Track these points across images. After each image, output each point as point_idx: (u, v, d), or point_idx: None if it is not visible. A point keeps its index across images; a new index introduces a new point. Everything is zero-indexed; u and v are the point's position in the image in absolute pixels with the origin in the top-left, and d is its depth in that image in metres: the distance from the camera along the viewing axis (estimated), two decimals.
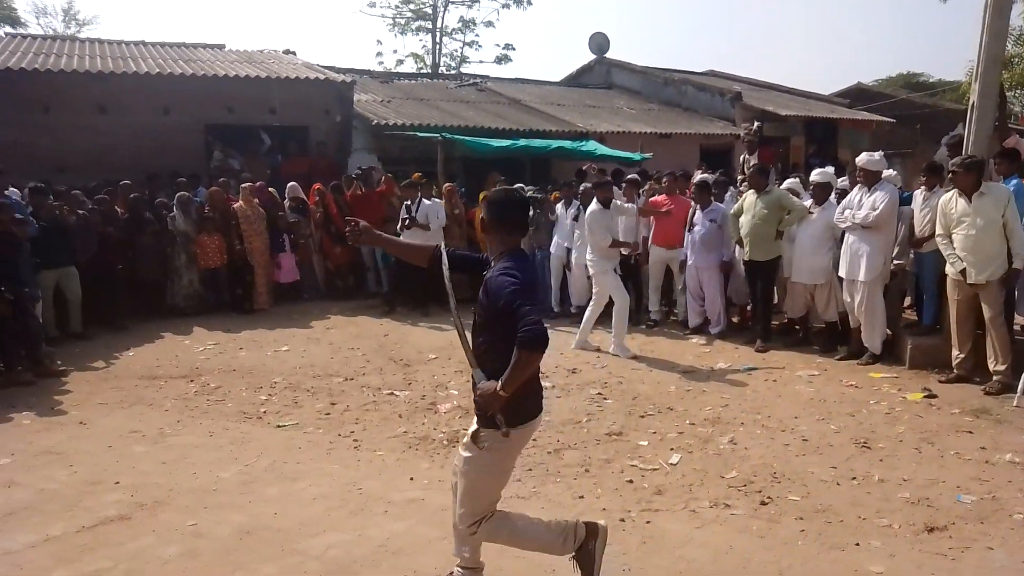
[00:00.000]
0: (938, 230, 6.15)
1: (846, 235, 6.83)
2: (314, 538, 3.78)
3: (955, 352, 6.15)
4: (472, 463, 2.97)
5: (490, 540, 3.12)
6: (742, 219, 7.52)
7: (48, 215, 7.77)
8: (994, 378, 5.86)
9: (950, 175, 6.07)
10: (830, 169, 8.17)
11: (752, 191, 7.58)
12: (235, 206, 9.44)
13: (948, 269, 6.10)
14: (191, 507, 4.17)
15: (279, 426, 5.52)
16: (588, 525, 3.16)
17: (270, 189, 10.23)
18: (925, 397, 5.79)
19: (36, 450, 5.06)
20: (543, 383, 6.17)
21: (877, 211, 6.53)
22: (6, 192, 7.67)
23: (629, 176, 9.46)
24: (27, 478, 4.59)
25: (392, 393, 6.24)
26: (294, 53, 15.55)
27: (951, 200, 6.02)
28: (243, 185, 9.71)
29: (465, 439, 3.05)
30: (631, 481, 4.41)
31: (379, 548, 3.66)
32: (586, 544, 3.12)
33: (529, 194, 9.75)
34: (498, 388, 2.75)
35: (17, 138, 10.27)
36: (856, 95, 23.58)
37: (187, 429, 5.48)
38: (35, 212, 7.64)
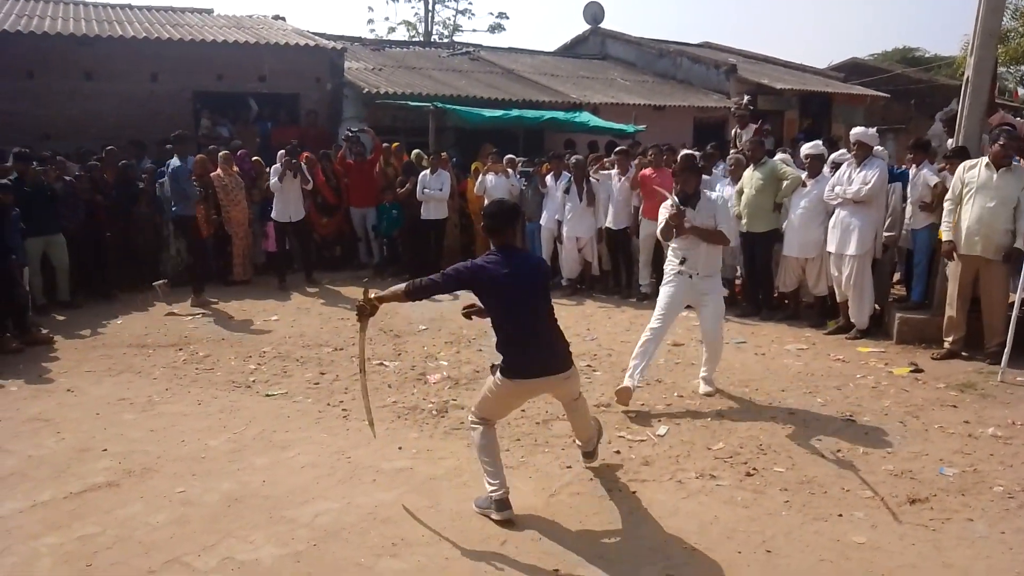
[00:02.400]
0: (949, 194, 6.13)
1: (836, 210, 6.83)
2: (303, 506, 3.79)
3: (951, 330, 6.16)
4: (487, 381, 3.80)
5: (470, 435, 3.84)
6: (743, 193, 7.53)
7: (33, 181, 7.67)
8: (988, 350, 5.93)
9: (991, 145, 5.90)
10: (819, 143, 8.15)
11: (750, 165, 7.57)
12: (212, 175, 9.26)
13: (952, 244, 6.04)
14: (180, 474, 4.18)
15: (268, 395, 5.52)
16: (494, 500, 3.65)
17: (256, 158, 10.09)
18: (912, 372, 5.84)
19: (24, 417, 5.05)
20: None
21: (869, 185, 6.53)
22: None
23: (619, 147, 9.44)
24: (15, 445, 4.58)
25: (382, 363, 6.24)
26: (284, 19, 15.29)
27: (974, 169, 5.95)
28: (220, 153, 9.48)
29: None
30: (619, 452, 4.44)
31: (367, 516, 3.68)
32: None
33: (520, 167, 9.74)
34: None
35: (2, 104, 10.10)
36: (851, 69, 23.49)
37: (176, 397, 5.47)
38: (20, 178, 7.53)
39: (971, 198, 5.91)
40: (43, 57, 10.57)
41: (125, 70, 11.11)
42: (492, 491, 3.65)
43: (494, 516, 3.62)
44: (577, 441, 4.22)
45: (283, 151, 9.92)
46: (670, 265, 5.27)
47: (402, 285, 3.72)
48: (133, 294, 8.64)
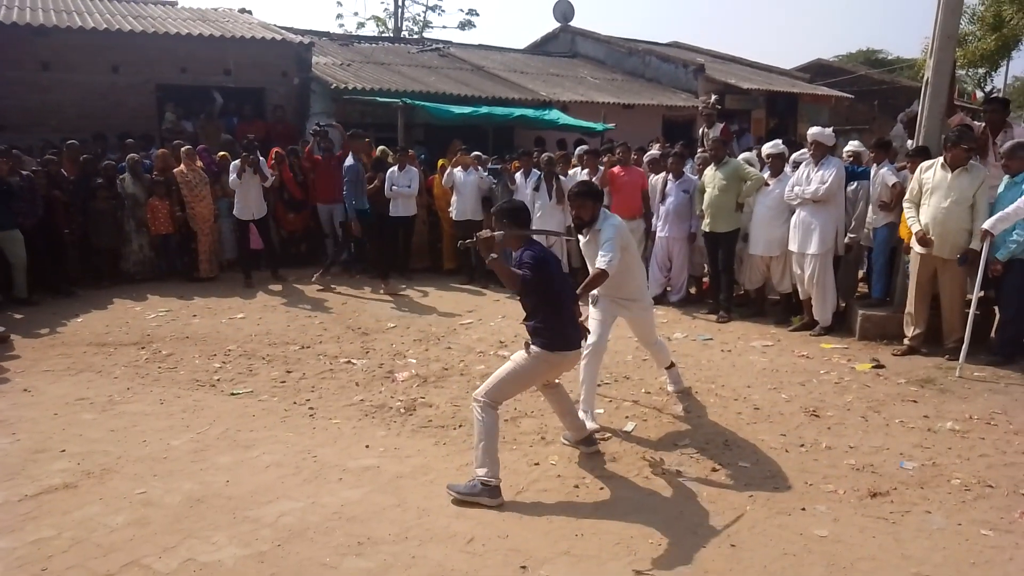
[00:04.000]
0: (907, 196, 6.24)
1: (797, 210, 6.93)
2: (267, 505, 3.74)
3: (911, 326, 6.29)
4: (516, 359, 3.95)
5: (477, 419, 3.87)
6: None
7: None
8: (946, 346, 6.07)
9: (947, 146, 5.93)
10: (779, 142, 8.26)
11: (712, 164, 7.65)
12: (175, 170, 9.10)
13: (913, 243, 6.15)
14: (140, 475, 4.10)
15: (233, 394, 5.44)
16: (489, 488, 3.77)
17: (222, 154, 9.91)
18: (873, 368, 5.95)
19: None
20: (501, 352, 6.18)
21: (826, 184, 6.65)
22: None
23: (587, 148, 9.48)
24: None
25: (349, 361, 6.18)
26: (250, 12, 15.07)
27: (931, 170, 6.04)
28: (183, 148, 9.32)
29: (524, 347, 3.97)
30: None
31: (333, 515, 3.65)
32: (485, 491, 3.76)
33: (489, 165, 9.71)
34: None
35: None
36: (816, 70, 23.89)
37: (137, 397, 5.36)
38: None
39: (927, 198, 6.03)
40: None
41: (85, 61, 10.84)
42: (488, 478, 3.76)
43: (488, 502, 3.72)
44: (567, 434, 4.42)
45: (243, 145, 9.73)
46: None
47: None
48: (93, 291, 8.44)
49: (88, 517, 3.63)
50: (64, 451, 4.40)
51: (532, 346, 3.93)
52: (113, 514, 3.66)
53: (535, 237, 4.10)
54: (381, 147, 10.56)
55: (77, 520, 3.60)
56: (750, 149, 10.20)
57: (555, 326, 3.91)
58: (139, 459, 4.30)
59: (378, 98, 11.97)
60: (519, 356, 3.97)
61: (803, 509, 3.70)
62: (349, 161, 8.77)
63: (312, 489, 3.94)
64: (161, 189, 9.01)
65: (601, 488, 3.95)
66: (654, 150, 9.40)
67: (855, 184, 7.12)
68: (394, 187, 9.33)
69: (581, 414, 4.58)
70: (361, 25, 30.24)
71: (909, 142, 7.14)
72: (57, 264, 8.38)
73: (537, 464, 4.25)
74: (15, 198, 7.69)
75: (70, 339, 6.79)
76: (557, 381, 4.27)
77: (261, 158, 9.09)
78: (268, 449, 4.45)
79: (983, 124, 6.67)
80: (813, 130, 6.99)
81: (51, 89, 10.57)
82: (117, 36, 10.97)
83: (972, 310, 5.67)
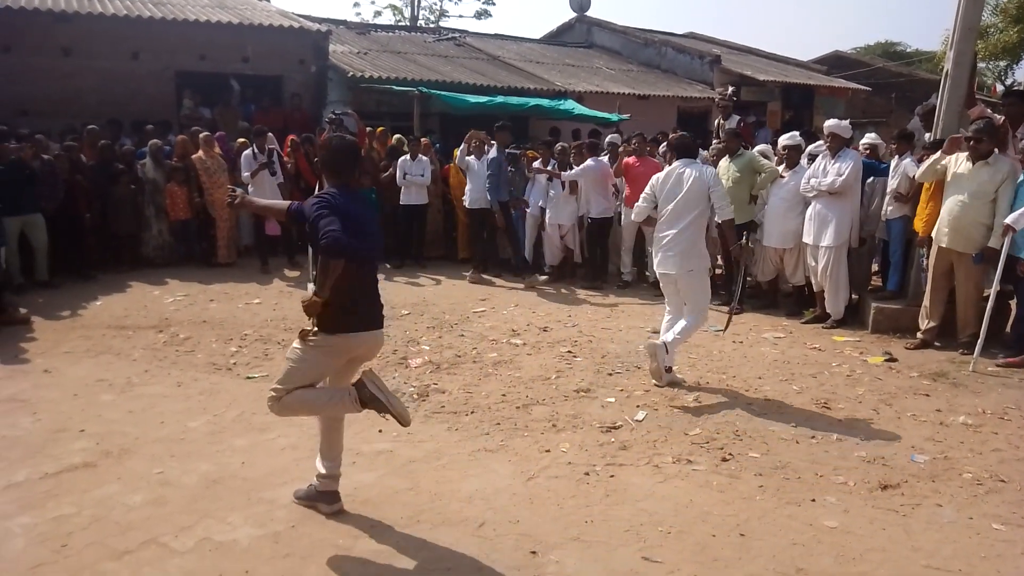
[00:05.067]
0: (925, 168, 6.17)
1: (812, 202, 6.90)
2: (282, 487, 3.80)
3: (925, 320, 6.26)
4: (295, 352, 3.36)
5: (289, 412, 3.44)
6: None
7: (10, 160, 7.54)
8: (960, 340, 6.04)
9: (968, 139, 5.89)
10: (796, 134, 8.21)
11: (726, 156, 7.62)
12: (194, 156, 9.17)
13: (934, 234, 6.09)
14: (158, 456, 4.17)
15: (249, 377, 5.50)
16: (354, 384, 3.37)
17: (241, 140, 9.97)
18: (886, 361, 5.93)
19: None
20: (514, 340, 6.19)
21: (843, 177, 6.61)
22: None
23: (609, 139, 9.49)
24: None
25: None
26: (268, 0, 15.12)
27: (955, 161, 5.98)
28: (201, 135, 9.39)
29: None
30: (597, 437, 4.48)
31: (347, 498, 3.69)
32: (363, 393, 3.30)
33: (508, 151, 9.69)
34: (313, 293, 3.21)
35: None
36: (833, 62, 23.64)
37: (155, 379, 5.44)
38: None
39: (947, 189, 5.99)
40: (19, 32, 10.38)
41: (105, 48, 10.95)
42: (325, 480, 3.56)
43: (324, 509, 3.54)
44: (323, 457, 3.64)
45: (268, 134, 9.78)
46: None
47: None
48: (113, 275, 8.55)
49: (107, 496, 3.71)
50: (83, 431, 4.48)
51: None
52: (131, 493, 3.74)
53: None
54: (397, 135, 10.59)
55: (96, 498, 3.68)
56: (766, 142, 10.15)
57: (342, 302, 3.24)
58: (157, 440, 4.38)
59: (394, 87, 11.99)
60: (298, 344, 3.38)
61: (813, 500, 3.71)
62: (492, 154, 8.72)
63: None
64: (180, 175, 9.09)
65: (611, 476, 3.98)
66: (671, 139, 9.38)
67: (871, 179, 7.09)
68: (407, 175, 9.35)
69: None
70: (378, 13, 30.21)
71: (927, 135, 7.08)
72: (78, 248, 8.48)
73: (548, 451, 4.28)
74: (38, 182, 7.80)
75: (90, 322, 6.89)
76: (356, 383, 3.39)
77: (276, 160, 9.15)
78: (283, 432, 4.51)
79: (1002, 118, 6.60)
80: (830, 122, 6.95)
81: (72, 75, 10.68)
82: (138, 23, 11.06)
83: (989, 306, 5.62)
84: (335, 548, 3.28)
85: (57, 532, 3.36)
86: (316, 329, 3.31)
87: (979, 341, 5.63)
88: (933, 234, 6.12)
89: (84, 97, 10.63)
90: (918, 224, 6.40)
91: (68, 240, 8.31)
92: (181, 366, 5.74)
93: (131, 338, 6.42)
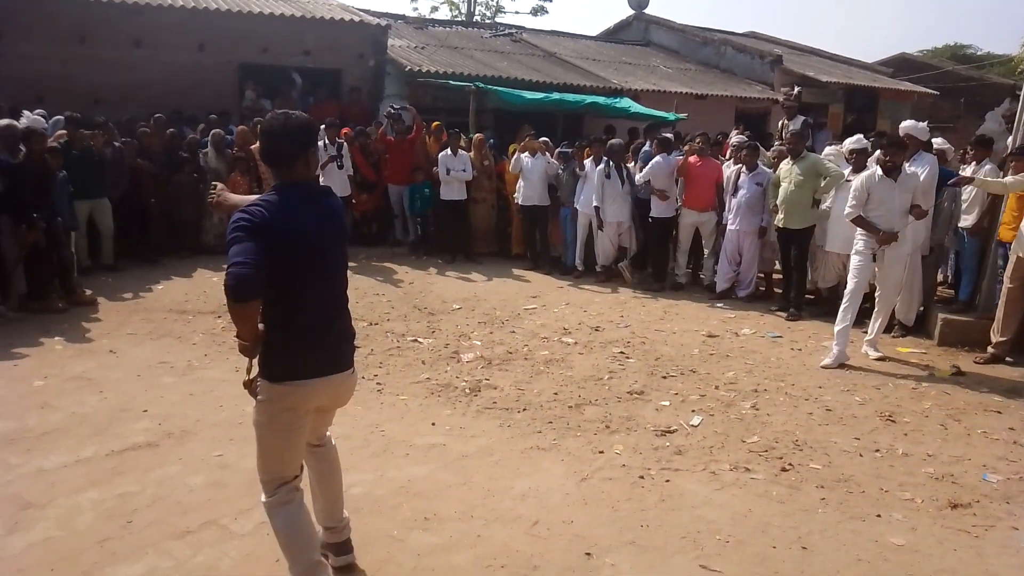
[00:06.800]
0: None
1: None
2: None
3: (997, 333, 6.01)
4: (253, 417, 2.75)
5: (270, 518, 2.82)
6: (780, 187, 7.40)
7: (81, 146, 7.79)
8: None
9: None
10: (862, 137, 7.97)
11: (788, 158, 7.43)
12: (253, 147, 9.33)
13: (1014, 247, 5.88)
14: (217, 439, 4.25)
15: None
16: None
17: None
18: (953, 374, 5.71)
19: (68, 375, 5.17)
20: (565, 339, 6.13)
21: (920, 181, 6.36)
22: (33, 116, 7.59)
23: (663, 135, 9.34)
24: (60, 401, 4.69)
25: (416, 340, 6.27)
26: None
27: None
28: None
29: None
30: (651, 440, 4.41)
31: (400, 490, 3.71)
32: None
33: (560, 148, 9.64)
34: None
35: (54, 68, 10.28)
36: (899, 65, 22.88)
37: (214, 363, 5.55)
38: (68, 143, 7.66)
39: None
40: (95, 23, 10.70)
41: (172, 40, 11.20)
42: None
43: (332, 561, 2.99)
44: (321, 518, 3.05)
45: (323, 125, 9.89)
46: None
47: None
48: (176, 261, 8.76)
49: (168, 476, 3.79)
50: (146, 411, 4.59)
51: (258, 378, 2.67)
52: (192, 474, 3.81)
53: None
54: (452, 131, 10.61)
55: (158, 478, 3.76)
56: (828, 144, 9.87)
57: (283, 340, 2.63)
58: (216, 424, 4.46)
59: (451, 82, 12.02)
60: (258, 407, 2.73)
61: (878, 516, 3.59)
62: (646, 148, 8.67)
63: (379, 463, 4.02)
64: (242, 165, 9.26)
65: (667, 481, 3.90)
66: (735, 137, 9.21)
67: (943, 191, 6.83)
68: (451, 171, 9.33)
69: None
70: (435, 9, 30.39)
71: (1008, 139, 6.79)
72: (142, 233, 8.72)
73: (602, 452, 4.23)
74: (107, 169, 8.04)
75: (152, 305, 7.07)
76: (322, 443, 3.09)
77: (345, 153, 9.26)
78: (337, 421, 4.46)
79: None
80: (906, 124, 6.71)
81: (140, 66, 10.97)
82: (204, 15, 11.31)
83: None
84: (389, 539, 3.29)
85: (122, 509, 3.45)
86: (256, 376, 2.67)
87: None
88: (1013, 244, 5.86)
89: (151, 87, 10.90)
90: (1004, 232, 6.13)
91: (133, 225, 8.55)
92: (239, 352, 5.82)
93: (191, 322, 6.57)
